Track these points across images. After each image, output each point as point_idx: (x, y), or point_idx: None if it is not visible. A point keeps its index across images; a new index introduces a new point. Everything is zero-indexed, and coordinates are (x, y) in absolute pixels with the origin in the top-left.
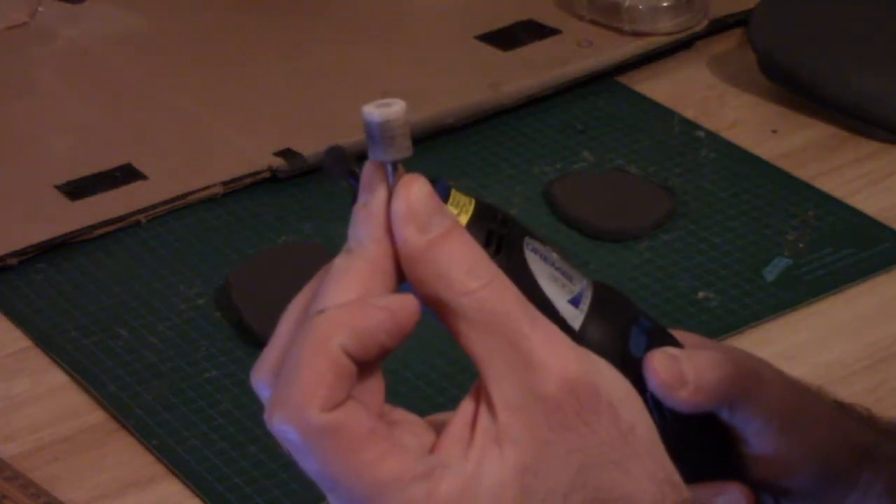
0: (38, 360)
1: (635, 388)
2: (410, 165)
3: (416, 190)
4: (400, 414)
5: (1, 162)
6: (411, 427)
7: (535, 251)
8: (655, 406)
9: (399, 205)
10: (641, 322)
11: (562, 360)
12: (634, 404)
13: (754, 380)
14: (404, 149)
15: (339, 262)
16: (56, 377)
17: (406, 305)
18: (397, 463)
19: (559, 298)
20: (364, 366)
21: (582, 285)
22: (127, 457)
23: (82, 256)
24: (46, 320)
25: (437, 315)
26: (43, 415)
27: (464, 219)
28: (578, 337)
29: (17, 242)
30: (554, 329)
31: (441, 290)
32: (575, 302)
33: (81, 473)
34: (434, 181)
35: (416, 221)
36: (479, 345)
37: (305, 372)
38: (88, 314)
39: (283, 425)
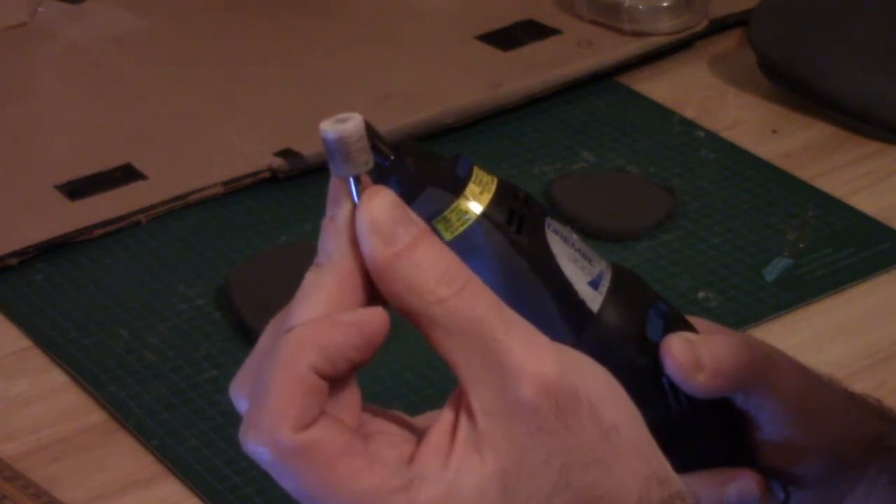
0: (38, 360)
1: (651, 371)
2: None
3: (377, 203)
4: (378, 424)
5: (1, 162)
6: (389, 438)
7: (556, 232)
8: (671, 390)
9: (362, 218)
10: (659, 306)
11: (539, 364)
12: (618, 402)
13: (769, 365)
14: (362, 164)
15: (309, 277)
16: (56, 377)
17: (373, 319)
18: (374, 477)
19: (579, 280)
20: (336, 380)
21: (601, 267)
22: (127, 457)
23: (82, 256)
24: (46, 320)
25: (412, 324)
26: (43, 415)
27: (486, 197)
28: (596, 319)
29: (17, 242)
30: (531, 332)
31: (412, 300)
32: (594, 284)
33: (81, 473)
34: (457, 158)
35: (381, 234)
36: (456, 352)
37: (275, 393)
38: (88, 314)
39: (256, 447)
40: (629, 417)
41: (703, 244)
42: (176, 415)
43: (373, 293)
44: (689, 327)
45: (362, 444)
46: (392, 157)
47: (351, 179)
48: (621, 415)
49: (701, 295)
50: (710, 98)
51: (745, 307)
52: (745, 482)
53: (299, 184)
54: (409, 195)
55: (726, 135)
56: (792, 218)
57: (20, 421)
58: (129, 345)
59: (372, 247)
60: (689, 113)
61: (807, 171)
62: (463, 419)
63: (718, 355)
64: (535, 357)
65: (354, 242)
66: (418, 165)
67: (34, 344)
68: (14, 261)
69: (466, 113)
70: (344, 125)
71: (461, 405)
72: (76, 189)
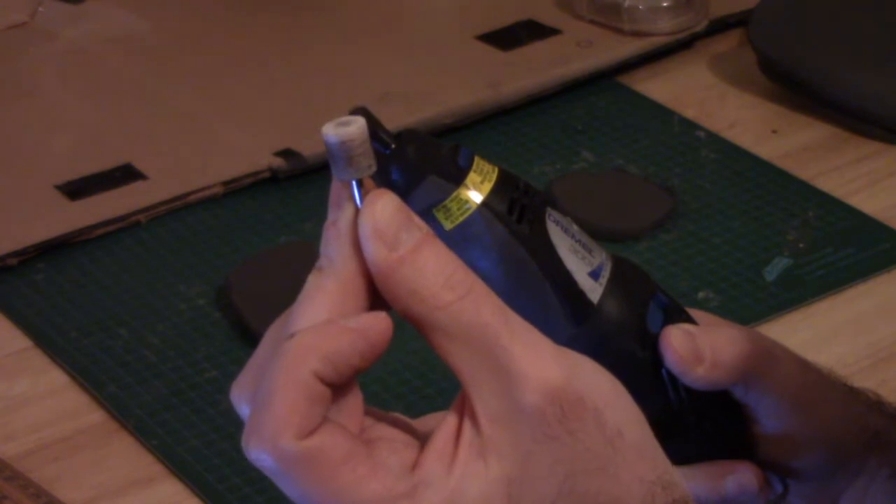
0: (38, 360)
1: (651, 363)
2: None
3: (380, 207)
4: (381, 430)
5: (1, 162)
6: (392, 444)
7: (556, 222)
8: (670, 382)
9: (365, 223)
10: (659, 298)
11: (543, 370)
12: (623, 406)
13: (769, 358)
14: (364, 168)
15: (311, 281)
16: (56, 377)
17: (377, 325)
18: (378, 484)
19: (579, 271)
20: (339, 386)
21: (602, 258)
22: (127, 457)
23: (82, 256)
24: (46, 320)
25: (416, 329)
26: (43, 415)
27: (487, 186)
28: (596, 310)
29: (17, 242)
30: (535, 337)
31: (416, 305)
32: (594, 275)
33: (81, 473)
34: (458, 147)
35: (384, 238)
36: (460, 358)
37: (278, 400)
38: (88, 314)
39: (259, 454)
40: (634, 422)
41: (703, 244)
42: (176, 415)
43: (375, 297)
44: (690, 319)
45: (365, 451)
46: (393, 146)
47: (353, 183)
48: (626, 419)
49: (701, 295)
50: (710, 98)
51: (745, 307)
52: (743, 475)
53: (299, 184)
54: (410, 184)
55: (726, 135)
56: (792, 218)
57: (20, 421)
58: (129, 345)
59: (375, 251)
60: (689, 113)
61: (807, 171)
62: (467, 425)
63: (718, 347)
64: (540, 362)
65: (357, 247)
66: (419, 154)
67: (34, 344)
68: (14, 261)
69: (466, 113)
70: (346, 129)
71: (465, 411)
72: (76, 189)
